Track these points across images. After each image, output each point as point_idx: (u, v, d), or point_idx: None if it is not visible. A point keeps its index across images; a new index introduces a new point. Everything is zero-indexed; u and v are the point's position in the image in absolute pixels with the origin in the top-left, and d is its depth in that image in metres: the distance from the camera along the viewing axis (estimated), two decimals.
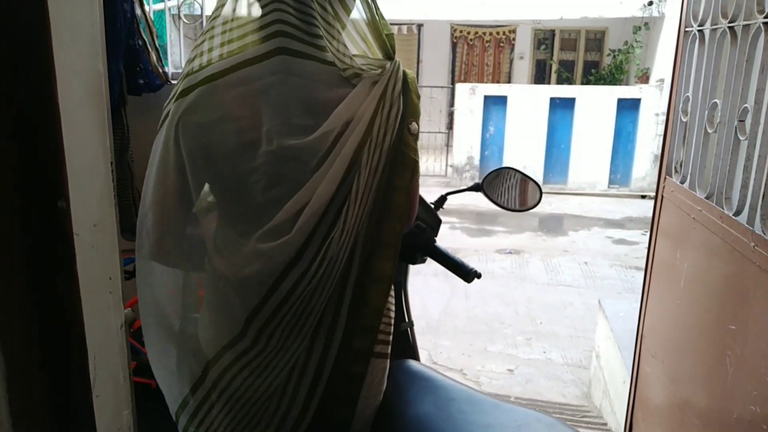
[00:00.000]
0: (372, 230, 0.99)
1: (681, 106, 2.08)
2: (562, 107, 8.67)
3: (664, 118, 8.44)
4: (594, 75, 10.49)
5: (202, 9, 2.79)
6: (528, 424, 1.07)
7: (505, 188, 1.68)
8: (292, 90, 0.94)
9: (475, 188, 1.67)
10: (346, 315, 0.98)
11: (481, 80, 11.60)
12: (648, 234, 2.33)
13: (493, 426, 1.07)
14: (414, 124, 1.03)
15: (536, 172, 8.68)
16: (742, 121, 1.63)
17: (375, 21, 1.01)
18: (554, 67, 11.40)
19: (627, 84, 9.63)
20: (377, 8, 1.01)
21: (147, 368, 2.31)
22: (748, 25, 1.64)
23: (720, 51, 1.83)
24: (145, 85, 2.48)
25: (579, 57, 11.36)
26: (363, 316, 0.99)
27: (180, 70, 2.77)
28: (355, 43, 1.03)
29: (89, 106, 0.72)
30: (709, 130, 1.85)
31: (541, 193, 1.64)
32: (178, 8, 2.86)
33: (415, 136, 1.04)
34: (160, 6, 3.52)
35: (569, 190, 8.80)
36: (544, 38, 11.46)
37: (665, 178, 2.18)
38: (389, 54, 1.03)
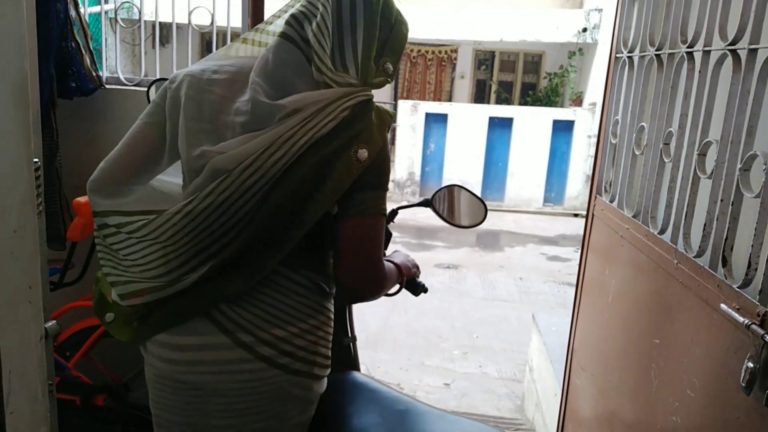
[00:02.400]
0: (265, 228, 1.10)
1: (611, 128, 2.16)
2: (500, 126, 8.90)
3: (596, 140, 8.76)
4: (531, 96, 10.84)
5: (140, 13, 2.72)
6: None
7: (452, 205, 1.74)
8: (276, 65, 1.13)
9: (424, 204, 1.73)
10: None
11: (423, 97, 11.77)
12: (578, 250, 2.40)
13: None
14: (364, 150, 1.10)
15: (475, 188, 8.85)
16: (667, 144, 1.72)
17: (369, 51, 1.14)
18: (494, 88, 11.71)
19: (562, 106, 9.98)
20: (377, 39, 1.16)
21: (71, 384, 2.22)
22: (673, 53, 1.73)
23: (648, 77, 1.92)
24: (77, 89, 2.39)
25: (517, 78, 11.71)
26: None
27: (115, 75, 2.68)
28: (343, 59, 1.14)
29: (12, 107, 0.68)
30: (637, 152, 1.93)
31: (486, 210, 1.70)
32: (115, 12, 2.78)
33: (360, 162, 1.10)
34: (96, 9, 3.41)
35: (506, 207, 9.02)
36: (485, 59, 11.76)
37: (596, 197, 2.26)
38: (365, 80, 1.14)
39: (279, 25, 1.18)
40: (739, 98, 1.36)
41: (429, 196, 1.73)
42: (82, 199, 2.28)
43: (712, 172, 1.44)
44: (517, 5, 9.67)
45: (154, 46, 2.85)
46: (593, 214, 2.26)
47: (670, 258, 1.58)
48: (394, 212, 1.68)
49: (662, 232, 1.67)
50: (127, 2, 2.80)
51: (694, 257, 1.47)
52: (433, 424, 1.13)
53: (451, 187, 1.73)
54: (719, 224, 1.38)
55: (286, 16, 1.17)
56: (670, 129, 1.71)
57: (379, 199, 1.14)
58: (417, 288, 1.53)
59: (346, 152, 1.09)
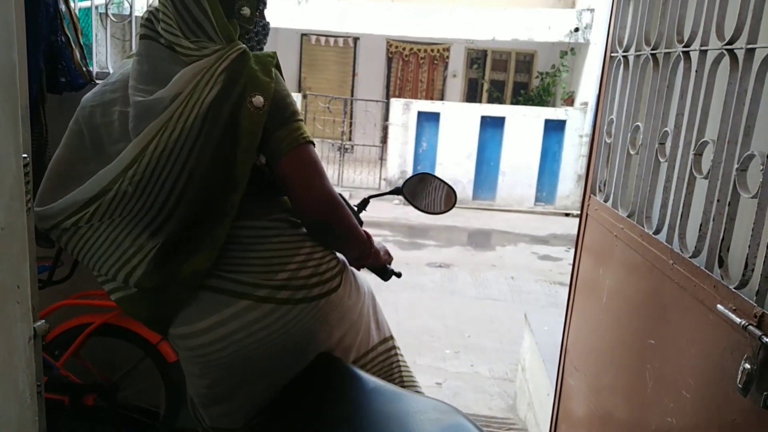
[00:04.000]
0: (202, 196, 1.18)
1: (606, 128, 2.16)
2: (492, 126, 8.90)
3: (588, 139, 8.75)
4: (523, 96, 10.85)
5: (131, 8, 2.69)
6: (424, 411, 1.16)
7: (424, 193, 1.80)
8: (148, 64, 1.24)
9: (396, 192, 1.79)
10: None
11: (415, 96, 11.76)
12: (572, 250, 2.40)
13: (393, 413, 1.16)
14: (258, 97, 1.18)
15: (466, 188, 8.85)
16: (662, 143, 1.71)
17: (217, 11, 1.22)
18: (486, 86, 11.71)
19: (554, 106, 10.00)
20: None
21: (60, 383, 2.19)
22: (669, 53, 1.73)
23: (643, 76, 1.92)
24: (66, 84, 2.36)
25: (509, 78, 11.72)
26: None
27: (105, 70, 2.65)
28: (204, 32, 1.23)
29: (2, 108, 0.66)
30: (632, 152, 1.93)
31: (455, 197, 1.77)
32: (106, 7, 2.74)
33: (259, 108, 1.18)
34: (86, 4, 3.37)
35: (497, 207, 9.02)
36: (477, 58, 11.76)
37: (590, 197, 2.26)
38: (230, 39, 1.23)
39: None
40: (737, 98, 1.35)
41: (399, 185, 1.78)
42: None
43: (708, 172, 1.44)
44: (509, 4, 9.68)
45: (132, 38, 2.81)
46: (587, 214, 2.26)
47: (666, 258, 1.57)
48: (366, 200, 1.72)
49: (657, 232, 1.66)
50: None
51: (689, 257, 1.47)
52: (391, 403, 1.20)
53: (421, 176, 1.80)
54: (715, 224, 1.38)
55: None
56: (666, 129, 1.70)
57: (296, 131, 1.23)
58: (387, 273, 1.58)
59: (242, 106, 1.17)
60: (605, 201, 2.10)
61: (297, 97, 10.03)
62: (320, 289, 1.29)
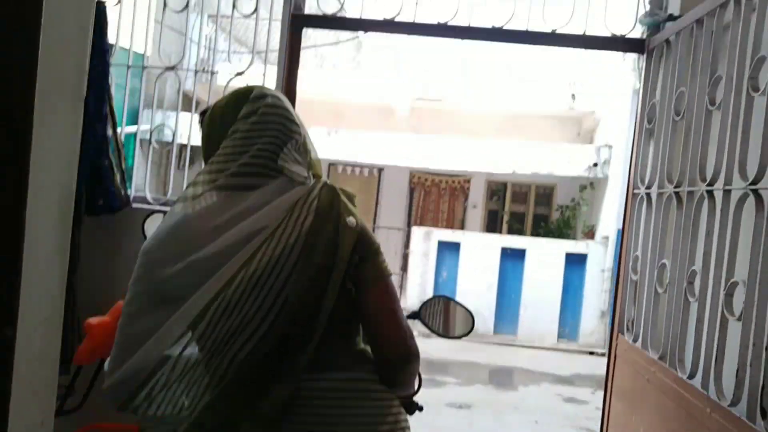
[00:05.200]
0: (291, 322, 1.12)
1: (631, 264, 2.13)
2: (513, 257, 8.88)
3: (610, 274, 8.58)
4: (543, 228, 10.92)
5: (174, 136, 2.83)
6: None
7: (440, 316, 1.78)
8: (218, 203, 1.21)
9: (412, 316, 1.74)
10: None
11: (436, 224, 11.92)
12: (598, 393, 2.27)
13: None
14: (351, 218, 1.19)
15: (488, 320, 8.67)
16: (691, 282, 1.67)
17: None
18: (506, 218, 11.85)
19: (574, 239, 10.02)
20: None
21: None
22: (693, 191, 1.73)
23: (667, 213, 1.91)
24: (104, 206, 2.41)
25: (529, 210, 11.88)
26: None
27: (141, 194, 2.73)
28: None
29: (55, 228, 0.67)
30: (659, 290, 1.88)
31: (473, 321, 1.72)
32: (150, 134, 2.89)
33: (353, 228, 1.18)
34: (131, 129, 3.56)
35: (519, 342, 8.76)
36: (497, 190, 12.02)
37: (618, 336, 2.18)
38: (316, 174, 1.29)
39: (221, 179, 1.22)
40: (765, 238, 1.33)
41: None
42: (94, 320, 2.22)
43: (740, 314, 1.38)
44: (528, 139, 10.03)
45: (179, 167, 2.93)
46: (616, 354, 2.16)
47: (702, 406, 1.47)
48: None
49: (691, 376, 1.57)
50: (162, 124, 2.91)
51: (728, 406, 1.37)
52: None
53: (437, 299, 1.78)
54: (753, 370, 1.30)
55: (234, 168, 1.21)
56: (694, 267, 1.66)
57: (383, 263, 1.22)
58: (413, 406, 1.51)
59: (339, 223, 1.17)
60: (634, 341, 2.02)
61: None
62: None
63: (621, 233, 2.27)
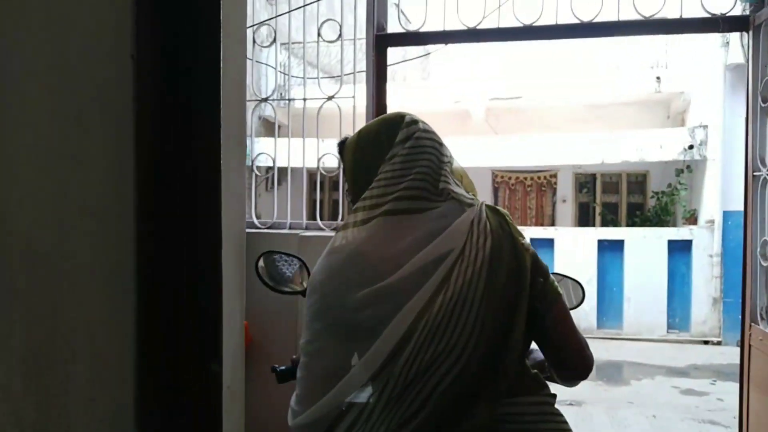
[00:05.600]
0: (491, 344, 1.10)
1: (759, 249, 2.02)
2: (610, 249, 8.59)
3: (720, 259, 8.13)
4: (639, 217, 10.48)
5: (274, 161, 2.95)
6: None
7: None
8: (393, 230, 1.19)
9: None
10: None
11: (524, 223, 11.70)
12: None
13: None
14: (525, 240, 1.21)
15: (590, 315, 8.42)
16: None
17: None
18: (598, 210, 11.47)
19: (675, 225, 9.55)
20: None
21: None
22: None
23: None
24: None
25: (622, 199, 11.43)
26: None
27: (249, 219, 2.88)
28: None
29: (235, 270, 0.73)
30: None
31: (583, 291, 1.70)
32: (252, 161, 3.03)
33: (527, 250, 1.19)
34: None
35: (625, 335, 8.44)
36: (586, 182, 11.66)
37: (750, 326, 2.07)
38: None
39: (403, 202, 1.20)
40: None
41: None
42: None
43: None
44: (616, 128, 9.68)
45: (267, 189, 3.06)
46: (750, 345, 2.06)
47: None
48: None
49: None
50: (263, 153, 3.05)
51: None
52: None
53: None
54: None
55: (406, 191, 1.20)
56: None
57: (554, 283, 1.22)
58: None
59: (516, 244, 1.18)
60: None
61: None
62: None
63: (744, 217, 2.16)
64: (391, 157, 1.20)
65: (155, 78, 0.66)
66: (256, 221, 2.84)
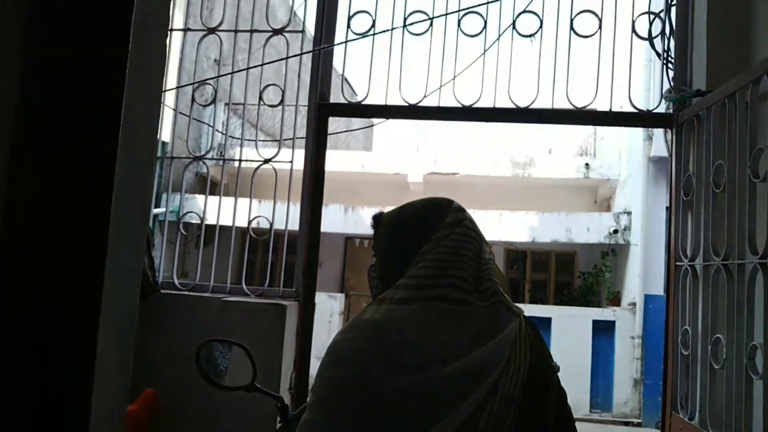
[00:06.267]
0: None
1: (680, 338, 2.07)
2: (538, 326, 8.67)
3: (641, 341, 8.34)
4: (566, 295, 10.75)
5: (202, 220, 2.85)
6: None
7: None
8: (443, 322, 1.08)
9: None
10: None
11: None
12: None
13: None
14: (555, 363, 1.18)
15: None
16: (752, 358, 1.61)
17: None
18: (527, 287, 11.70)
19: (599, 306, 9.84)
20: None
21: None
22: (743, 263, 1.70)
23: (716, 286, 1.87)
24: None
25: (551, 278, 11.74)
26: None
27: (170, 280, 2.73)
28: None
29: (122, 338, 0.66)
30: (715, 366, 1.81)
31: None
32: (179, 218, 2.92)
33: (557, 371, 1.17)
34: (157, 210, 3.61)
35: None
36: (517, 258, 11.93)
37: (671, 414, 2.09)
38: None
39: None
40: None
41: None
42: None
43: None
44: (547, 208, 10.05)
45: (197, 247, 2.94)
46: None
47: None
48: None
49: None
50: (191, 212, 2.94)
51: None
52: None
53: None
54: None
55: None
56: (754, 342, 1.61)
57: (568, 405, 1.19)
58: None
59: (548, 363, 1.14)
60: (690, 419, 1.93)
61: (341, 297, 10.19)
62: None
63: (666, 305, 2.22)
64: (440, 238, 1.11)
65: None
66: (177, 282, 2.70)
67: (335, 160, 9.92)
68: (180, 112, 3.33)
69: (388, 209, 1.26)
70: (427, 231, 1.12)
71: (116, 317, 0.69)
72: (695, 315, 1.96)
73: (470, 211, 1.23)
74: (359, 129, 9.83)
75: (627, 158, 9.06)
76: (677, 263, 2.11)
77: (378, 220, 1.24)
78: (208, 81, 3.12)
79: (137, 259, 0.73)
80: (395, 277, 1.10)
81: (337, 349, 1.03)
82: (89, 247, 0.63)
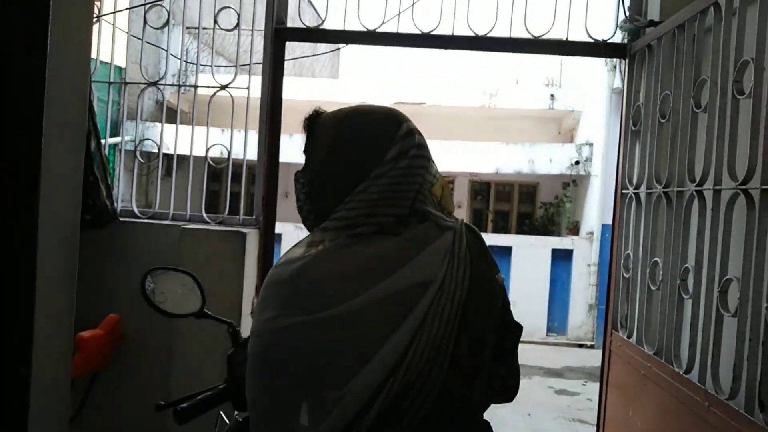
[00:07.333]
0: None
1: (623, 262, 2.17)
2: (499, 255, 8.95)
3: (596, 269, 8.64)
4: (528, 225, 11.02)
5: (159, 148, 2.82)
6: None
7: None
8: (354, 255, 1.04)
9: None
10: None
11: None
12: (589, 384, 2.32)
13: None
14: (499, 274, 1.11)
15: None
16: (684, 280, 1.71)
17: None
18: (491, 217, 11.93)
19: (559, 235, 10.13)
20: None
21: None
22: (682, 191, 1.78)
23: (657, 213, 1.96)
24: (91, 221, 2.42)
25: (513, 208, 11.97)
26: None
27: (128, 208, 2.72)
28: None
29: (61, 260, 0.68)
30: (652, 287, 1.92)
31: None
32: (135, 146, 2.88)
33: (502, 287, 1.11)
34: (115, 140, 3.54)
35: None
36: (481, 189, 12.09)
37: (611, 332, 2.22)
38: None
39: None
40: (757, 236, 1.37)
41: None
42: (86, 333, 2.22)
43: (736, 310, 1.42)
44: (510, 138, 10.12)
45: (161, 177, 2.92)
46: (610, 350, 2.21)
47: (700, 400, 1.51)
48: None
49: (688, 371, 1.62)
50: (148, 139, 2.90)
51: (726, 400, 1.41)
52: None
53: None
54: (750, 364, 1.34)
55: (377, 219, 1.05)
56: (687, 265, 1.71)
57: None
58: None
59: (493, 280, 1.09)
60: (629, 337, 2.06)
61: None
62: None
63: (611, 231, 2.31)
64: (378, 176, 1.04)
65: None
66: (136, 210, 2.69)
67: (300, 88, 9.74)
68: (133, 35, 3.22)
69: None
70: (368, 167, 1.05)
71: (54, 245, 0.70)
72: (637, 240, 2.06)
73: (436, 142, 1.20)
74: (321, 54, 9.60)
75: (591, 89, 9.09)
76: (623, 191, 2.20)
77: (312, 122, 1.13)
78: (159, 3, 3.00)
79: (75, 186, 0.74)
80: (332, 198, 1.07)
81: (259, 316, 1.04)
82: (20, 176, 0.63)
